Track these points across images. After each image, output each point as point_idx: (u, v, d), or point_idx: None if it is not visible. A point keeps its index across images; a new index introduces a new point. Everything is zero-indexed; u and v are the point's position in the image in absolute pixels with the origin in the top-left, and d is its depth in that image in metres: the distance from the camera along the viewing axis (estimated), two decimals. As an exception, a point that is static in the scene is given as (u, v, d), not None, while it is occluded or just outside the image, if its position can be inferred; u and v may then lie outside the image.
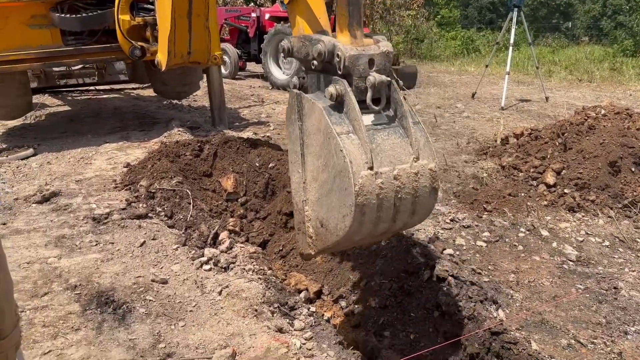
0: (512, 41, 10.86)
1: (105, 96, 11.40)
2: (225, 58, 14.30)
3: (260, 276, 3.90)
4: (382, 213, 2.53)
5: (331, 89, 2.55)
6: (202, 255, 4.05)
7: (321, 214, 2.75)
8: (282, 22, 13.34)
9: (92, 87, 11.45)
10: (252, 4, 22.11)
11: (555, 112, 10.01)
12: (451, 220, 5.02)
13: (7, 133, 8.03)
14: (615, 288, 3.97)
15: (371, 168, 2.44)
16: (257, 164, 5.59)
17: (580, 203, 5.33)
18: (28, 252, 4.05)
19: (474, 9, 40.73)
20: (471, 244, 4.59)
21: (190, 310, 3.42)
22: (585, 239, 4.78)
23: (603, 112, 6.35)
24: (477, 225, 5.00)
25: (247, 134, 7.74)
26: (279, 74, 13.21)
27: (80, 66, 9.73)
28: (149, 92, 10.97)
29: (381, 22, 22.25)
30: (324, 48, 2.59)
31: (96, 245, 4.18)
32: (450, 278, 3.67)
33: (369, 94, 2.53)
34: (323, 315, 3.93)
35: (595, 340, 3.34)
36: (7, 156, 6.54)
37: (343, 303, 3.92)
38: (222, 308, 3.46)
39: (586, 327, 3.50)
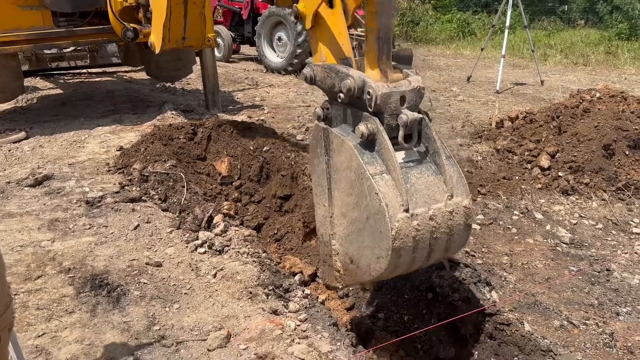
0: (507, 24, 10.78)
1: (97, 79, 11.28)
2: (219, 40, 14.16)
3: (255, 259, 3.90)
4: (417, 254, 2.51)
5: (362, 128, 2.48)
6: (197, 239, 4.05)
7: (351, 250, 2.72)
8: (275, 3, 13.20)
9: (84, 70, 11.34)
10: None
11: (551, 96, 9.99)
12: (445, 203, 5.03)
13: (-1, 116, 7.95)
14: (607, 270, 4.00)
15: (407, 210, 2.41)
16: (252, 148, 5.56)
17: (574, 186, 5.35)
18: (21, 235, 4.02)
19: (469, -9, 40.34)
20: (465, 227, 4.60)
21: (185, 293, 3.42)
22: (579, 222, 4.80)
23: (598, 95, 6.34)
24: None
25: (241, 117, 7.69)
26: (273, 56, 13.10)
27: (71, 48, 9.62)
28: (142, 75, 10.86)
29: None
30: (354, 84, 2.50)
31: (90, 228, 4.16)
32: (443, 260, 3.68)
33: (401, 132, 2.47)
34: (318, 297, 3.94)
35: (587, 321, 3.37)
36: (-2, 139, 6.48)
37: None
38: (216, 290, 3.46)
39: (579, 308, 3.53)
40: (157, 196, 4.67)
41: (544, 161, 5.70)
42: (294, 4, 3.02)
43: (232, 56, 15.37)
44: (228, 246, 4.01)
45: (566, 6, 24.98)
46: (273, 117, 8.22)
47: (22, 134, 6.59)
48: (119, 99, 9.11)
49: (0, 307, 1.74)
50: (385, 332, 3.75)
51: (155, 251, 3.91)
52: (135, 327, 3.06)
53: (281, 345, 2.92)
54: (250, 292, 3.42)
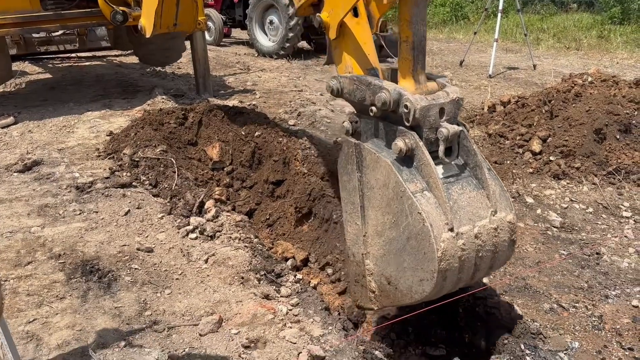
0: (500, 8, 10.73)
1: (87, 63, 11.14)
2: (210, 24, 14.00)
3: (247, 244, 3.90)
4: (462, 274, 2.41)
5: (400, 143, 2.35)
6: (188, 224, 4.03)
7: (388, 271, 2.60)
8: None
9: (73, 54, 11.20)
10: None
11: (543, 80, 9.99)
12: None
13: (-14, 101, 7.84)
14: (597, 253, 4.03)
15: (452, 229, 2.29)
16: (243, 133, 5.52)
17: (565, 170, 5.37)
18: (10, 221, 3.99)
19: (463, -25, 40.05)
20: (457, 211, 4.61)
21: (177, 278, 3.41)
22: (570, 206, 4.83)
23: (590, 79, 6.34)
24: (463, 193, 5.02)
25: (232, 102, 7.64)
26: (264, 40, 12.98)
27: (60, 32, 9.50)
28: (132, 59, 10.75)
29: (369, -12, 21.81)
30: (389, 97, 2.36)
31: (80, 214, 4.13)
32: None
33: (442, 147, 2.35)
34: (309, 282, 3.95)
35: (576, 304, 3.41)
36: (-14, 125, 6.40)
37: (329, 270, 3.93)
38: (208, 276, 3.46)
39: (568, 291, 3.56)
40: (147, 182, 4.64)
41: (536, 145, 5.71)
42: (317, 14, 2.91)
43: (223, 40, 15.22)
44: (220, 232, 4.00)
45: (559, -10, 24.91)
46: (265, 102, 8.16)
47: (11, 119, 6.51)
48: (109, 83, 9.02)
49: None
50: (376, 316, 3.77)
51: (147, 237, 3.89)
52: (127, 312, 3.06)
53: (273, 329, 2.93)
54: (242, 277, 3.42)
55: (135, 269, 3.48)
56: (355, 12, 2.78)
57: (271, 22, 12.64)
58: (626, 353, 2.97)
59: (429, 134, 2.38)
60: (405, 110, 2.34)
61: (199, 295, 3.25)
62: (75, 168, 4.97)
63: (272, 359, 2.71)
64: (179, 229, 3.99)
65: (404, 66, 2.47)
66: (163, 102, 7.05)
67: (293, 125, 6.90)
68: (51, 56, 10.92)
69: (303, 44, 14.01)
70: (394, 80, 2.59)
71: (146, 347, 2.77)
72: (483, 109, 7.32)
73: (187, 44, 8.48)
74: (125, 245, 3.74)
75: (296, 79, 10.23)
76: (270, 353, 2.75)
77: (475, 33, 12.11)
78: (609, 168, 5.35)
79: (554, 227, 4.44)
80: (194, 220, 4.06)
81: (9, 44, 8.87)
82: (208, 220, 4.12)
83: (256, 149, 5.39)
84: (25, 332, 2.85)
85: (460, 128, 2.41)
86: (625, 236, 4.30)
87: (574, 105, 5.98)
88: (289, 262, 4.12)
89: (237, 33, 16.39)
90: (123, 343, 2.78)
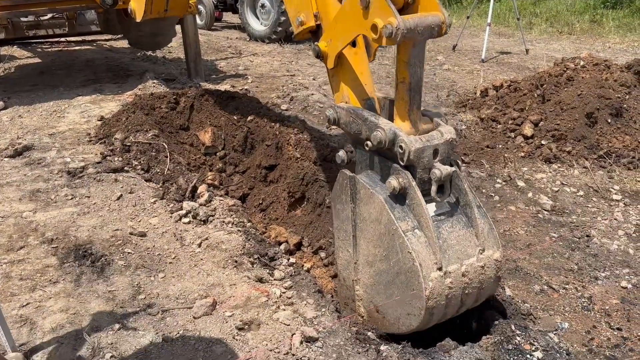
0: (493, -8, 10.70)
1: (76, 48, 11.02)
2: (200, 7, 13.86)
3: (240, 228, 3.91)
4: (448, 309, 2.50)
5: (394, 182, 2.42)
6: (181, 209, 4.03)
7: (377, 300, 2.69)
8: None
9: (62, 39, 11.05)
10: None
11: (535, 65, 9.99)
12: (430, 171, 5.05)
13: (-25, 86, 7.75)
14: (587, 236, 4.07)
15: (440, 269, 2.37)
16: (236, 118, 5.50)
17: (557, 154, 5.40)
18: (2, 206, 3.97)
19: (456, -42, 39.77)
20: (449, 195, 4.64)
21: (170, 262, 3.42)
22: (561, 189, 4.86)
23: (582, 63, 6.35)
24: (455, 177, 5.04)
25: (224, 86, 7.60)
26: (256, 24, 12.87)
27: (49, 16, 9.36)
28: (123, 44, 10.64)
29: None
30: (385, 137, 2.41)
31: (72, 199, 4.12)
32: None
33: (434, 187, 2.41)
34: (303, 265, 3.97)
35: (566, 286, 3.45)
36: (-25, 110, 6.32)
37: (323, 254, 3.95)
38: (201, 260, 3.46)
39: (558, 273, 3.61)
40: (139, 166, 4.62)
41: (528, 130, 5.73)
42: (315, 43, 2.92)
43: (215, 24, 15.09)
44: (213, 216, 4.00)
45: (552, -26, 24.77)
46: (257, 87, 8.13)
47: (0, 104, 6.44)
48: (99, 68, 8.93)
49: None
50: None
51: (139, 221, 3.89)
52: (121, 296, 3.07)
53: (266, 312, 2.95)
54: (236, 261, 3.44)
55: (129, 253, 3.48)
56: (353, 42, 2.78)
57: (263, 6, 12.52)
58: (615, 333, 3.02)
59: (422, 174, 2.44)
60: (401, 151, 2.39)
61: (192, 278, 3.26)
62: (67, 153, 4.94)
63: (265, 340, 2.73)
64: (172, 213, 3.98)
65: (400, 106, 2.52)
66: (154, 86, 7.00)
67: (286, 110, 6.88)
68: (40, 40, 10.77)
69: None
70: (391, 111, 2.63)
71: (140, 330, 2.78)
72: (475, 93, 7.33)
73: (178, 28, 8.40)
74: (118, 229, 3.73)
75: (288, 63, 10.17)
76: (264, 334, 2.77)
77: (468, 17, 12.07)
78: (599, 152, 5.38)
79: (545, 210, 4.48)
80: (187, 204, 4.06)
81: (-3, 28, 8.75)
82: (201, 205, 4.12)
83: (249, 133, 5.38)
84: (19, 316, 2.86)
85: (454, 168, 2.47)
86: (615, 219, 4.35)
87: (565, 89, 5.99)
88: (282, 246, 4.13)
89: (228, 17, 16.24)
90: (117, 326, 2.79)
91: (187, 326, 2.83)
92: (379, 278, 2.65)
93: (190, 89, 6.01)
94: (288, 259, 3.71)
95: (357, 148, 2.77)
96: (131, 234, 3.68)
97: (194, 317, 2.90)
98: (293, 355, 2.61)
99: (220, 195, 4.49)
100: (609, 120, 5.58)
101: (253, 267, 3.43)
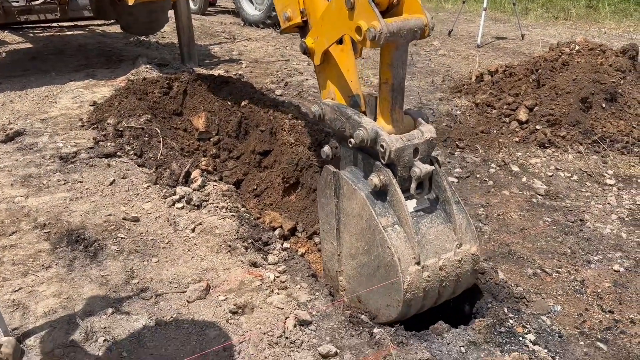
0: (489, -24, 10.62)
1: (69, 33, 10.89)
2: (195, -7, 13.70)
3: (234, 213, 3.89)
4: (426, 301, 2.60)
5: (375, 179, 2.50)
6: (174, 194, 4.01)
7: (359, 290, 2.80)
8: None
9: (54, 24, 10.91)
10: None
11: (531, 50, 9.96)
12: (424, 157, 5.04)
13: (-35, 71, 7.65)
14: (581, 220, 4.09)
15: (418, 263, 2.46)
16: (229, 103, 5.46)
17: (551, 139, 5.40)
18: (-7, 192, 3.94)
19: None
20: (443, 180, 4.63)
21: (164, 247, 3.41)
22: (555, 174, 4.87)
23: (577, 48, 6.32)
24: (449, 162, 5.04)
25: (218, 71, 7.53)
26: (251, 9, 12.75)
27: (40, 0, 9.22)
28: (115, 29, 10.52)
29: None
30: (367, 136, 2.49)
31: (64, 184, 4.09)
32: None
33: (413, 185, 2.50)
34: (297, 250, 3.97)
35: (559, 270, 3.47)
36: (-34, 95, 6.25)
37: (317, 239, 3.95)
38: (195, 244, 3.46)
39: (552, 257, 3.62)
40: (132, 151, 4.59)
41: (522, 115, 5.72)
42: (302, 39, 2.95)
43: (209, 9, 14.94)
44: (206, 201, 3.99)
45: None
46: (251, 72, 8.07)
47: (-9, 89, 6.38)
48: (92, 53, 8.84)
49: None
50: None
51: (132, 206, 3.87)
52: (114, 280, 3.06)
53: (260, 295, 2.95)
54: (229, 246, 3.43)
55: (122, 238, 3.46)
56: (340, 39, 2.80)
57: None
58: (606, 316, 3.04)
59: (402, 172, 2.53)
60: (382, 150, 2.47)
61: (186, 263, 3.26)
62: (59, 138, 4.90)
63: (259, 323, 2.73)
64: (165, 198, 3.96)
65: (383, 106, 2.58)
66: (147, 71, 6.93)
67: (280, 95, 6.84)
68: (31, 25, 10.64)
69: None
70: (376, 108, 2.69)
71: (134, 314, 2.78)
72: (471, 78, 7.31)
73: (171, 13, 8.30)
74: (110, 214, 3.71)
75: (283, 48, 10.10)
76: (258, 318, 2.77)
77: (464, 2, 11.99)
78: (594, 137, 5.38)
79: (539, 194, 4.48)
80: (180, 190, 4.04)
81: (-13, 12, 8.61)
82: (194, 190, 4.10)
83: (243, 119, 5.34)
84: (11, 300, 2.84)
85: (433, 167, 2.56)
86: (609, 203, 4.36)
87: (560, 74, 5.98)
88: (277, 232, 4.12)
89: (222, 2, 16.08)
90: (110, 310, 2.79)
91: (180, 310, 2.83)
92: (360, 270, 2.75)
93: (184, 73, 5.95)
94: (282, 244, 3.70)
95: (341, 144, 2.86)
96: (124, 219, 3.67)
97: (188, 301, 2.89)
98: (287, 338, 2.62)
99: (214, 181, 4.47)
100: (604, 105, 5.57)
101: (247, 251, 3.43)
